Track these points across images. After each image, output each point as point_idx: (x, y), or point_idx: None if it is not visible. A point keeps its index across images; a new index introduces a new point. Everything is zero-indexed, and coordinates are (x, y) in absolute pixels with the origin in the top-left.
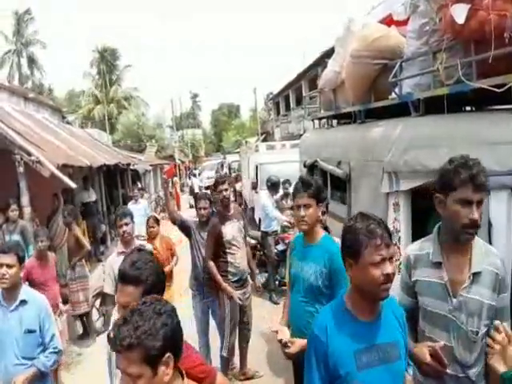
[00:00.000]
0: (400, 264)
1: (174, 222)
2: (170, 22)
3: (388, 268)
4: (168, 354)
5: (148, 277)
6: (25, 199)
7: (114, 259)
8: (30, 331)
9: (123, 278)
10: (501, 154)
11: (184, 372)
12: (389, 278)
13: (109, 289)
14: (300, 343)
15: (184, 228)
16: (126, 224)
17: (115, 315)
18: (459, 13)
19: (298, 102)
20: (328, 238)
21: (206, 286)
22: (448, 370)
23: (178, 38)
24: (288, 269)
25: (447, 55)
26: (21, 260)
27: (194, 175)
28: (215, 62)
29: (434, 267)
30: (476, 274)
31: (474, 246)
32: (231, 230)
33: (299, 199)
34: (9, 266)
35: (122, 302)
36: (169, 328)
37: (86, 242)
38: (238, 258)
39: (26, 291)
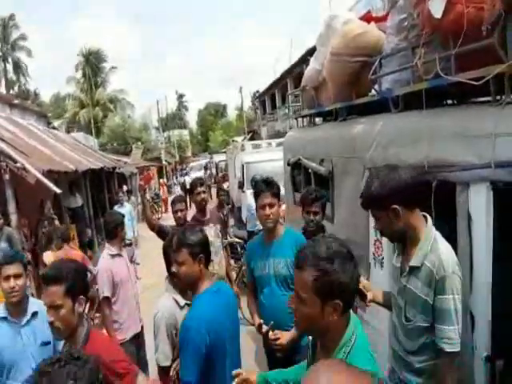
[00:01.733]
0: (383, 259)
1: (152, 229)
2: (156, 22)
3: None
4: None
5: (67, 273)
6: (11, 206)
7: (109, 262)
8: (46, 343)
9: (44, 279)
10: (479, 147)
11: (105, 363)
12: None
13: (108, 292)
14: (288, 334)
15: (162, 234)
16: (122, 229)
17: (49, 317)
18: (436, 7)
19: (284, 100)
20: (291, 231)
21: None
22: (394, 346)
23: (163, 37)
24: (248, 271)
25: (426, 50)
26: (25, 267)
27: (187, 173)
28: (201, 61)
29: (397, 254)
30: (414, 268)
31: (422, 241)
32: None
33: (265, 198)
34: (16, 277)
35: (47, 303)
36: None
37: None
38: (215, 264)
39: (33, 301)
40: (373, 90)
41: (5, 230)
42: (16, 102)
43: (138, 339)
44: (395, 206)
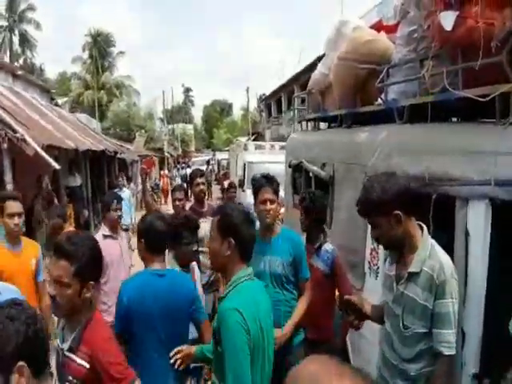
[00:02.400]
0: (378, 269)
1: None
2: (169, 13)
3: None
4: (21, 363)
5: (83, 254)
6: (8, 177)
7: (102, 243)
8: None
9: (57, 251)
10: (480, 164)
11: (100, 363)
12: None
13: None
14: (279, 331)
15: None
16: (120, 209)
17: (50, 289)
18: (447, 20)
19: (290, 105)
20: (287, 230)
21: None
22: (388, 355)
23: (175, 30)
24: None
25: (434, 63)
26: None
27: (189, 166)
28: (210, 58)
29: (391, 262)
30: (413, 274)
31: (420, 248)
32: (204, 227)
33: (266, 193)
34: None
35: (54, 276)
36: (21, 335)
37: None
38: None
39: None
40: (379, 99)
41: None
42: (20, 73)
43: None
44: (397, 212)
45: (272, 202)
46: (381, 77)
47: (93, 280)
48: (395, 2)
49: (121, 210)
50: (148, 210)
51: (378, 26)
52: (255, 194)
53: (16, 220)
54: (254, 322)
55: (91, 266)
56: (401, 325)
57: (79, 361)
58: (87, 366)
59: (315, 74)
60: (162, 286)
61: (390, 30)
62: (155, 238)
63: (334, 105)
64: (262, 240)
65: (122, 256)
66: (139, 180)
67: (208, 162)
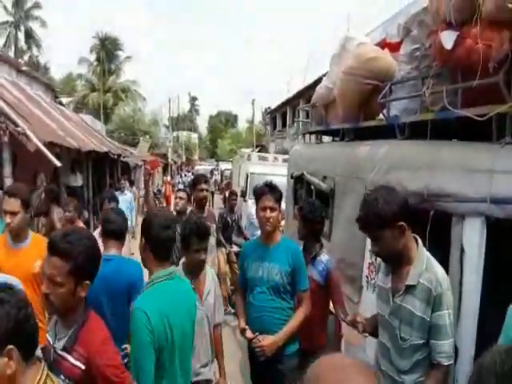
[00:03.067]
0: (375, 283)
1: None
2: (178, 21)
3: None
4: (10, 347)
5: (79, 254)
6: (7, 170)
7: (98, 241)
8: None
9: (51, 248)
10: (477, 182)
11: (96, 365)
12: None
13: None
14: (271, 338)
15: None
16: (113, 209)
17: (42, 287)
18: (447, 39)
19: (295, 119)
20: (287, 240)
21: None
22: (384, 368)
23: (183, 38)
24: (240, 272)
25: (435, 81)
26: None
27: (193, 174)
28: (217, 68)
29: (386, 274)
30: (410, 287)
31: (416, 260)
32: None
33: (267, 201)
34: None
35: (47, 274)
36: (12, 319)
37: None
38: (209, 262)
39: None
40: (381, 115)
41: None
42: (24, 68)
43: None
44: (402, 223)
45: (272, 209)
46: (383, 93)
47: (88, 279)
48: (399, 21)
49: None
50: (148, 208)
51: (382, 44)
52: (257, 201)
53: (8, 218)
54: (160, 321)
55: (87, 266)
56: (398, 337)
57: (73, 361)
58: (82, 367)
59: (320, 88)
60: (106, 270)
61: (394, 48)
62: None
63: (337, 119)
64: (261, 247)
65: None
66: (142, 185)
67: (212, 172)
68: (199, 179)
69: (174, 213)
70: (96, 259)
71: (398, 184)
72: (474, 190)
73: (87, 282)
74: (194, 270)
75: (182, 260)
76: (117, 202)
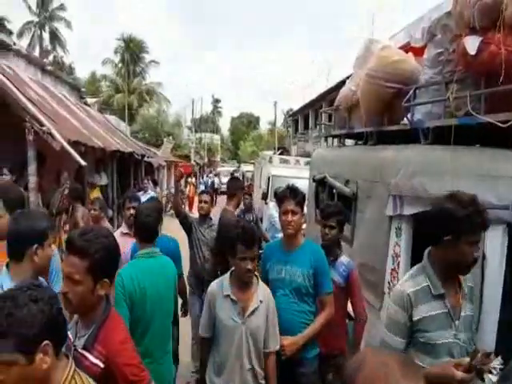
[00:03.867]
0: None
1: (177, 215)
2: (202, 24)
3: None
4: (45, 342)
5: (96, 251)
6: (31, 168)
7: (118, 239)
8: None
9: (69, 246)
10: (499, 189)
11: (116, 364)
12: None
13: None
14: (292, 338)
15: (186, 223)
16: (134, 208)
17: (62, 286)
18: (471, 44)
19: (317, 122)
20: (310, 242)
21: (206, 285)
22: None
23: (208, 42)
24: (262, 273)
25: (458, 86)
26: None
27: (216, 175)
28: (240, 70)
29: (436, 299)
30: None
31: None
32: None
33: (288, 205)
34: None
35: (65, 272)
36: (46, 316)
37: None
38: None
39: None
40: (405, 119)
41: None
42: (49, 68)
43: None
44: None
45: (294, 213)
46: (407, 97)
47: (108, 277)
48: (423, 25)
49: (135, 208)
50: (176, 210)
51: (406, 49)
52: (279, 204)
53: None
54: (131, 283)
55: (105, 263)
56: (468, 350)
57: (93, 360)
58: (102, 365)
59: (343, 91)
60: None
61: (418, 52)
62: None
63: (360, 122)
64: (284, 249)
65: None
66: (165, 185)
67: (232, 174)
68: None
69: (197, 216)
70: (114, 257)
71: (422, 189)
72: (496, 197)
73: (106, 280)
74: (241, 281)
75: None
76: (138, 201)
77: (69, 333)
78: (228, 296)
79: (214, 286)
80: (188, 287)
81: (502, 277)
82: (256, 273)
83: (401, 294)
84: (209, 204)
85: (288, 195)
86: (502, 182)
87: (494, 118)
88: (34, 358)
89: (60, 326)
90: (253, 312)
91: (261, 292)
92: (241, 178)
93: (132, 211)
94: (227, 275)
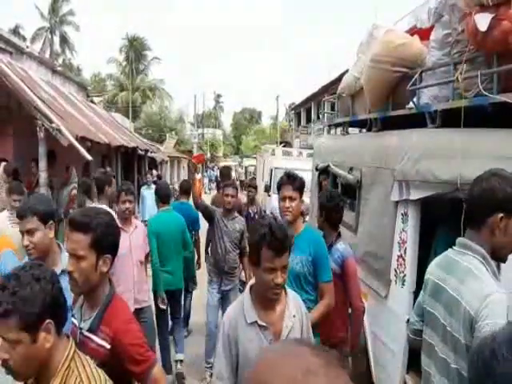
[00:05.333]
0: (405, 276)
1: (197, 208)
2: (203, 21)
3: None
4: (48, 321)
5: (97, 226)
6: (42, 164)
7: None
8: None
9: (71, 224)
10: None
11: (121, 344)
12: None
13: None
14: None
15: (207, 214)
16: (130, 201)
17: (67, 265)
18: (482, 21)
19: (319, 114)
20: (310, 229)
21: (226, 275)
22: None
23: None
24: None
25: (468, 67)
26: (45, 222)
27: (218, 169)
28: (241, 66)
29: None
30: None
31: None
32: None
33: (285, 191)
34: (29, 233)
35: (69, 249)
36: (48, 294)
37: None
38: None
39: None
40: (410, 103)
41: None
42: (59, 68)
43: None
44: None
45: (292, 199)
46: (413, 80)
47: (109, 253)
48: (430, 6)
49: (130, 202)
50: (195, 202)
51: (412, 32)
52: (278, 191)
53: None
54: (155, 226)
55: (106, 238)
56: None
57: (99, 341)
58: (108, 346)
59: (346, 77)
60: None
61: (424, 34)
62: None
63: (364, 109)
64: None
65: (130, 250)
66: (169, 180)
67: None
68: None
69: (222, 210)
70: (114, 234)
71: (429, 173)
72: None
73: (108, 256)
74: (267, 298)
75: (252, 280)
76: (133, 195)
77: (73, 318)
78: (255, 323)
79: (230, 313)
80: (207, 276)
81: None
82: None
83: (425, 278)
84: (235, 197)
85: (286, 181)
86: None
87: (509, 97)
88: (38, 336)
89: (61, 305)
90: (288, 335)
91: (291, 303)
92: (243, 171)
93: (128, 205)
94: (245, 295)
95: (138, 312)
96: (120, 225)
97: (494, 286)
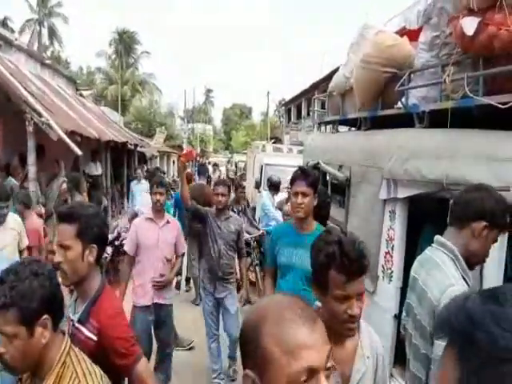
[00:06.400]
0: (392, 273)
1: (186, 209)
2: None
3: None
4: (45, 316)
5: (82, 216)
6: (31, 158)
7: (140, 222)
8: None
9: (59, 216)
10: (499, 171)
11: (108, 337)
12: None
13: (128, 248)
14: None
15: (198, 215)
16: (161, 194)
17: (55, 256)
18: (469, 25)
19: (310, 111)
20: (322, 228)
21: (220, 281)
22: None
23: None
24: (270, 256)
25: (456, 69)
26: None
27: (215, 165)
28: (232, 61)
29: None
30: None
31: None
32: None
33: (298, 187)
34: None
35: (57, 242)
36: (46, 290)
37: None
38: None
39: None
40: (399, 103)
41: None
42: (47, 62)
43: (150, 313)
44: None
45: (305, 195)
46: (401, 81)
47: (96, 244)
48: (419, 7)
49: (161, 194)
50: (185, 204)
51: (402, 33)
52: (290, 186)
53: None
54: None
55: (91, 228)
56: None
57: (87, 333)
58: (94, 338)
59: (337, 77)
60: None
61: (413, 36)
62: None
63: (354, 108)
64: (295, 234)
65: (157, 243)
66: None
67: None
68: (219, 183)
69: (214, 210)
70: (101, 224)
71: (417, 173)
72: (495, 179)
73: (94, 245)
74: (337, 333)
75: (316, 303)
76: (165, 186)
77: (68, 311)
78: None
79: None
80: (200, 282)
81: (503, 261)
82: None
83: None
84: (226, 196)
85: (299, 176)
86: (501, 164)
87: (494, 99)
88: (34, 331)
89: (58, 301)
90: (359, 381)
91: (366, 340)
92: (234, 167)
93: (159, 196)
94: None
95: (158, 309)
96: (152, 216)
97: (457, 280)
